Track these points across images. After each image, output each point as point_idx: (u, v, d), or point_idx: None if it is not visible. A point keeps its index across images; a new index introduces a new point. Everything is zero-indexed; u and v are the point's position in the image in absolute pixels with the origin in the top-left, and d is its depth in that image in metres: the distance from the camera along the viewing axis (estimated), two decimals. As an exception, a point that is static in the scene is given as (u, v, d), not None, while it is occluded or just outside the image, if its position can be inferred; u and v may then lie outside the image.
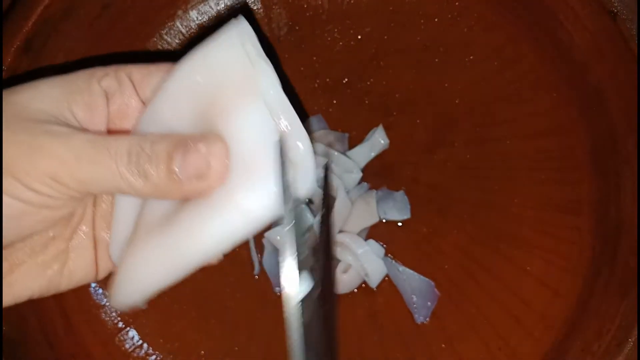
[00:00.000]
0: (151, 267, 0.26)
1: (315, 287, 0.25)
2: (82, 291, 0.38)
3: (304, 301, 0.25)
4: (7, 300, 0.27)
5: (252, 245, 0.40)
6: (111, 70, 0.27)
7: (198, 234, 0.25)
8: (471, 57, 0.42)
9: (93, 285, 0.39)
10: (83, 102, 0.26)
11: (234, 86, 0.25)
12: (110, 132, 0.28)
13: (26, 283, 0.27)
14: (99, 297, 0.38)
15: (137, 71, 0.28)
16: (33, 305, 0.35)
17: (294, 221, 0.25)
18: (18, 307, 0.34)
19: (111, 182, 0.24)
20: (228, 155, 0.25)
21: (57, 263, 0.28)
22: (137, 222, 0.27)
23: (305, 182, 0.26)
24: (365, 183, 0.41)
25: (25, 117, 0.24)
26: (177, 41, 0.43)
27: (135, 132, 0.28)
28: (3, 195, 0.23)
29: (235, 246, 0.26)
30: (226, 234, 0.25)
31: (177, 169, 0.24)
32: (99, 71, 0.27)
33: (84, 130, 0.26)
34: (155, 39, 0.43)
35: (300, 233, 0.26)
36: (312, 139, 0.27)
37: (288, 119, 0.25)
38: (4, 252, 0.26)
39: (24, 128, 0.24)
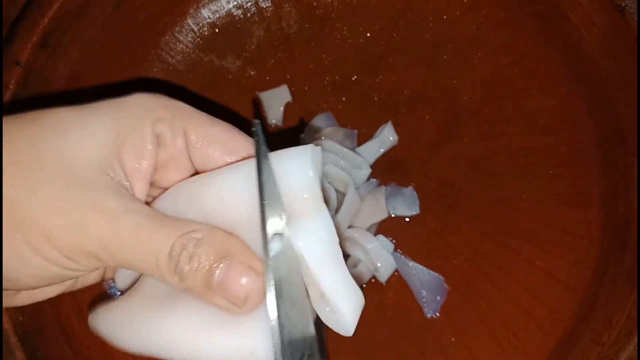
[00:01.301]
0: (135, 331, 0.25)
1: None
2: (97, 284, 0.39)
3: None
4: (25, 302, 0.27)
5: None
6: (168, 114, 0.25)
7: (193, 335, 0.25)
8: (479, 54, 0.42)
9: (112, 287, 0.39)
10: (133, 149, 0.24)
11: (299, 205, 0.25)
12: (152, 185, 0.26)
13: (45, 292, 0.27)
14: (112, 289, 0.39)
15: (194, 128, 0.26)
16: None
17: None
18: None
19: (147, 271, 0.24)
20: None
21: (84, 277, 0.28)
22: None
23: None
24: (375, 179, 0.41)
25: (71, 175, 0.23)
26: (189, 39, 0.44)
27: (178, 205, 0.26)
28: (35, 256, 0.23)
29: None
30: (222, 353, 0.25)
31: (214, 284, 0.23)
32: (155, 111, 0.25)
33: (131, 199, 0.24)
34: (168, 37, 0.43)
35: None
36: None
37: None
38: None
39: (68, 193, 0.22)
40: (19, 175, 0.22)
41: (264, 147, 0.25)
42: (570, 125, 0.40)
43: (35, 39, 0.35)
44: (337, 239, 0.25)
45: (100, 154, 0.23)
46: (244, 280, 0.23)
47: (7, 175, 0.22)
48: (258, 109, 0.43)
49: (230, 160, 0.26)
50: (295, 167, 0.25)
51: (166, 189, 0.27)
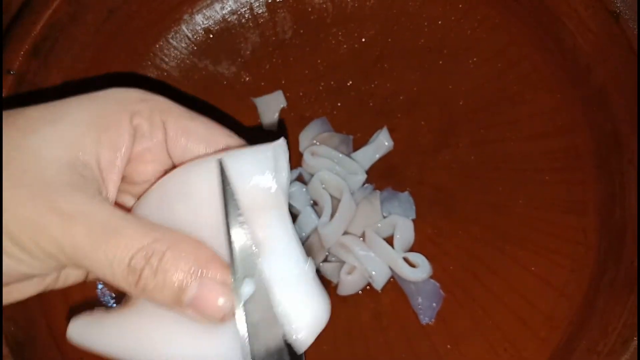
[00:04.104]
0: (112, 336, 0.25)
1: None
2: (89, 294, 0.38)
3: None
4: (5, 302, 0.27)
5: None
6: (146, 108, 0.25)
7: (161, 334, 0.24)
8: (475, 59, 0.42)
9: (100, 287, 0.39)
10: (109, 141, 0.24)
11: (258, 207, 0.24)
12: (124, 178, 0.25)
13: (23, 290, 0.27)
14: (105, 299, 0.39)
15: (173, 121, 0.25)
16: (42, 307, 0.35)
17: None
18: (26, 310, 0.34)
19: (105, 279, 0.23)
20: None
21: (54, 273, 0.27)
22: None
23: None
24: (370, 185, 0.41)
25: (34, 174, 0.22)
26: (183, 45, 0.44)
27: (141, 208, 0.25)
28: (4, 256, 0.22)
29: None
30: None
31: (186, 300, 0.22)
32: (132, 104, 0.25)
33: (96, 193, 0.23)
34: (162, 43, 0.43)
35: None
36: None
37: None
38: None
39: (28, 193, 0.22)
40: None
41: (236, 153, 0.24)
42: (566, 131, 0.40)
43: (27, 47, 0.35)
44: (296, 248, 0.24)
45: (70, 151, 0.23)
46: (221, 301, 0.22)
47: None
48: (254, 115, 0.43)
49: (214, 144, 0.25)
50: (252, 169, 0.24)
51: (138, 183, 0.26)
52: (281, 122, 0.43)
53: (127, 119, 0.24)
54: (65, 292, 0.37)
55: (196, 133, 0.25)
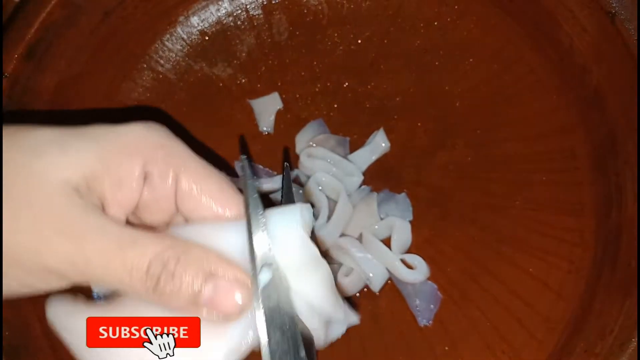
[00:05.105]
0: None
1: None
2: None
3: None
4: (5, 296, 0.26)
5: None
6: (161, 155, 0.24)
7: None
8: (471, 60, 0.42)
9: (96, 291, 0.39)
10: (117, 177, 0.24)
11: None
12: (129, 222, 0.26)
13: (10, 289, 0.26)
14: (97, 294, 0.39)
15: (186, 179, 0.25)
16: (37, 312, 0.35)
17: None
18: (22, 314, 0.34)
19: (120, 287, 0.23)
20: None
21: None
22: None
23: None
24: (367, 186, 0.41)
25: (40, 195, 0.22)
26: (178, 47, 0.43)
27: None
28: (7, 279, 0.22)
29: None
30: None
31: (203, 301, 0.23)
32: (148, 150, 0.24)
33: (103, 219, 0.23)
34: (157, 45, 0.43)
35: None
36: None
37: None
38: None
39: (38, 216, 0.22)
40: None
41: (255, 199, 0.25)
42: (562, 132, 0.40)
43: (21, 50, 0.35)
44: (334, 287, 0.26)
45: (76, 176, 0.23)
46: (237, 296, 0.23)
47: None
48: (250, 119, 0.42)
49: (219, 213, 0.26)
50: (287, 229, 0.25)
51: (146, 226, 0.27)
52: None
53: (139, 164, 0.24)
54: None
55: (209, 192, 0.25)
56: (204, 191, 0.25)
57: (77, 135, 0.24)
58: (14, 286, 0.23)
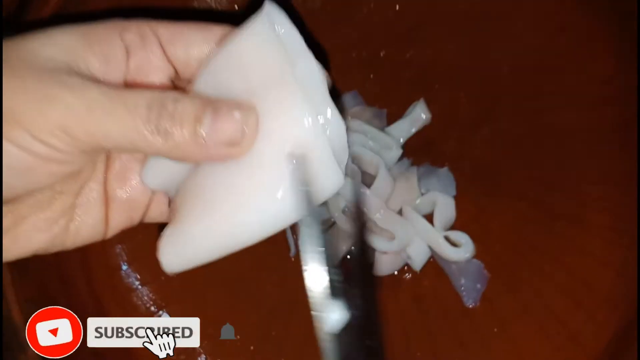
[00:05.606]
0: (209, 234, 0.25)
1: (353, 319, 0.24)
2: (113, 274, 0.37)
3: (340, 335, 0.23)
4: (11, 255, 0.26)
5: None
6: (133, 25, 0.26)
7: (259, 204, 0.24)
8: (520, 24, 0.39)
9: (124, 268, 0.37)
10: (100, 52, 0.25)
11: (271, 76, 0.25)
12: (127, 85, 0.26)
13: (30, 238, 0.26)
14: (130, 280, 0.37)
15: (165, 29, 0.26)
16: (64, 288, 0.34)
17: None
18: (48, 289, 0.32)
19: (126, 137, 0.23)
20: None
21: (64, 219, 0.26)
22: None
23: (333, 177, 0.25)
24: (407, 159, 0.39)
25: (35, 64, 0.23)
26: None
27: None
28: (10, 146, 0.22)
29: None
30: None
31: (204, 133, 0.23)
32: (120, 24, 0.26)
33: (98, 82, 0.24)
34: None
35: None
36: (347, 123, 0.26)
37: (325, 111, 0.26)
38: (10, 206, 0.25)
39: (34, 76, 0.23)
40: None
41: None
42: (621, 100, 0.37)
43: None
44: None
45: (64, 53, 0.24)
46: (237, 114, 0.24)
47: None
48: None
49: (211, 37, 0.26)
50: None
51: None
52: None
53: (116, 34, 0.25)
54: (88, 277, 0.36)
55: (190, 32, 0.26)
56: (185, 33, 0.26)
57: (58, 29, 0.25)
58: (14, 153, 0.22)
